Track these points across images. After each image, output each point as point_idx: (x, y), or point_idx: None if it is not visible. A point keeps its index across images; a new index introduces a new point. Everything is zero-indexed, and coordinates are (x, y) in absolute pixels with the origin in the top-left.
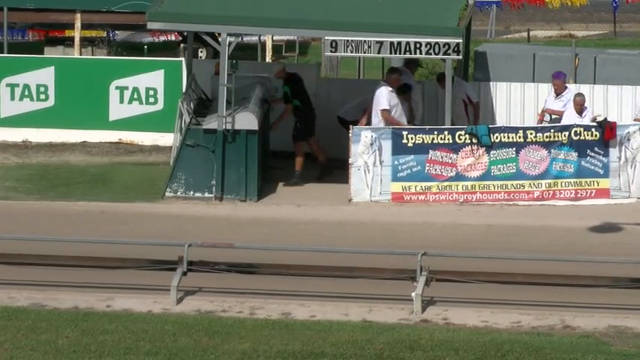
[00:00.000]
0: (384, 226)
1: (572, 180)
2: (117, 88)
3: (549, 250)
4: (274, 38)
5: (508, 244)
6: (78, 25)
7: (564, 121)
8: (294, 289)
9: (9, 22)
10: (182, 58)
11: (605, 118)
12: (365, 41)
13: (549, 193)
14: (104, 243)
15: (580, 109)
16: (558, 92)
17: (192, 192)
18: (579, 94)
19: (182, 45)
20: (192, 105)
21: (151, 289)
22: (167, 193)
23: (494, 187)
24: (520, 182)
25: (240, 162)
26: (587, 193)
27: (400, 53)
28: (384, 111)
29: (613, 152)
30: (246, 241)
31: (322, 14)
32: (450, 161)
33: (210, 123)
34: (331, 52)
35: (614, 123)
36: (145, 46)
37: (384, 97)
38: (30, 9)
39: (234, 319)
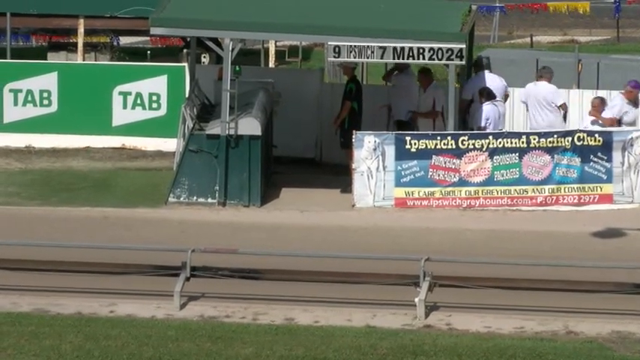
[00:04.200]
0: (387, 232)
1: (576, 185)
2: (120, 93)
3: (552, 256)
4: (277, 43)
5: (511, 250)
6: (81, 30)
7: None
8: (298, 294)
9: (12, 28)
10: (185, 64)
11: None
12: (368, 46)
13: (552, 199)
14: (107, 249)
15: (596, 110)
16: (633, 101)
17: (195, 197)
18: (597, 97)
19: (185, 50)
20: (195, 110)
21: (154, 294)
22: (170, 199)
23: (498, 192)
24: (523, 187)
25: (244, 167)
26: (590, 198)
27: (403, 58)
28: (565, 104)
29: (616, 158)
30: (249, 247)
31: (325, 19)
32: (453, 167)
33: (214, 128)
34: (334, 57)
35: None
36: (148, 52)
37: (559, 93)
38: (33, 14)
39: (238, 325)
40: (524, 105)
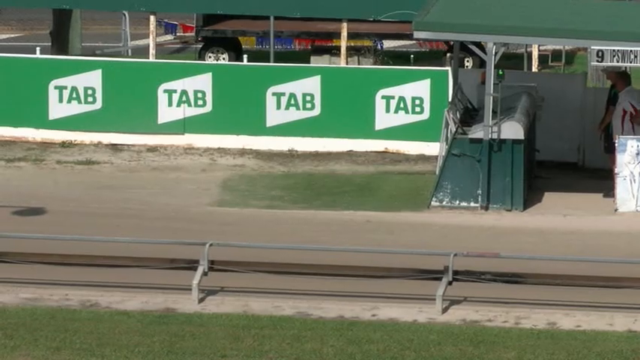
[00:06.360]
0: None
1: None
2: (382, 97)
3: None
4: (540, 48)
5: None
6: (344, 34)
7: None
8: (560, 298)
9: (275, 31)
10: (448, 68)
11: None
12: (631, 51)
13: None
14: (370, 252)
15: None
16: None
17: (457, 201)
18: None
19: (448, 54)
20: (458, 114)
21: (416, 298)
22: (433, 203)
23: None
24: None
25: (506, 171)
26: None
27: None
28: None
29: None
30: (511, 251)
31: (588, 24)
32: None
33: (476, 132)
34: (597, 61)
35: None
36: (412, 56)
37: None
38: (296, 18)
39: (500, 329)
40: None
